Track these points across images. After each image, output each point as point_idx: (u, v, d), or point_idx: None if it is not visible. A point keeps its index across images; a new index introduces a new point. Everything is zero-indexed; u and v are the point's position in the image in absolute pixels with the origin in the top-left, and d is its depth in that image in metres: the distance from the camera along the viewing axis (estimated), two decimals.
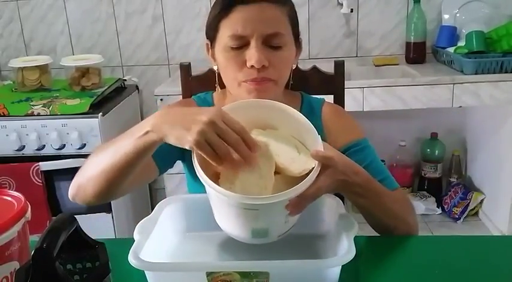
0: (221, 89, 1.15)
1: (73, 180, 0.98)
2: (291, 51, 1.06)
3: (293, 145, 0.86)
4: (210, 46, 1.10)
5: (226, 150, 0.77)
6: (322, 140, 0.85)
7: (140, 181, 1.05)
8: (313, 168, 0.81)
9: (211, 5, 1.06)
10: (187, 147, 0.79)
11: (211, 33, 1.06)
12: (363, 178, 0.90)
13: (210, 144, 0.76)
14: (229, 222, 0.86)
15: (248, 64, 1.00)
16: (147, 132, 0.82)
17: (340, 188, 0.88)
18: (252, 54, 0.99)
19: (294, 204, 0.78)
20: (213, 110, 0.78)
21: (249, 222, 0.82)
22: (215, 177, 0.82)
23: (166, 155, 1.04)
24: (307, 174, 0.80)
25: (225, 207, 0.82)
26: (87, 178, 0.94)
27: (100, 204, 0.98)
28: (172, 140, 0.80)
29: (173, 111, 0.85)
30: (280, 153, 0.83)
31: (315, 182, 0.79)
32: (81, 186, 0.96)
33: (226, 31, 1.02)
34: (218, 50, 1.05)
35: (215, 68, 1.11)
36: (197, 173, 0.79)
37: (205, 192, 0.83)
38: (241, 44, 1.01)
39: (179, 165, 1.17)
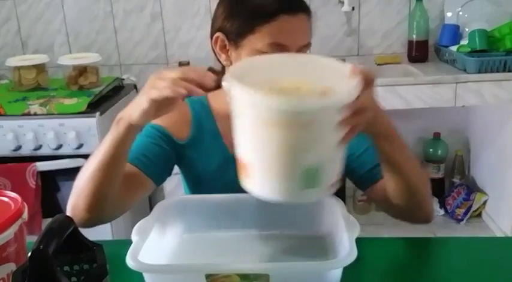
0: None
1: (68, 202, 0.94)
2: None
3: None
4: (227, 40, 1.05)
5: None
6: None
7: (135, 196, 1.00)
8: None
9: (211, 3, 1.04)
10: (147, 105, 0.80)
11: (242, 30, 1.02)
12: (390, 122, 0.87)
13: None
14: (269, 163, 0.72)
15: None
16: (118, 121, 0.85)
17: (371, 121, 0.80)
18: None
19: (345, 119, 0.71)
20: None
21: (297, 153, 0.70)
22: None
23: (157, 164, 1.02)
24: None
25: (265, 135, 0.70)
26: (77, 193, 0.91)
27: (95, 224, 0.93)
28: (137, 114, 0.81)
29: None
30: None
31: (359, 97, 0.73)
32: (74, 204, 0.92)
33: (266, 37, 0.99)
34: (246, 51, 1.02)
35: (224, 63, 1.07)
36: (227, 85, 0.72)
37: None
38: (277, 52, 0.98)
39: (177, 166, 1.15)
